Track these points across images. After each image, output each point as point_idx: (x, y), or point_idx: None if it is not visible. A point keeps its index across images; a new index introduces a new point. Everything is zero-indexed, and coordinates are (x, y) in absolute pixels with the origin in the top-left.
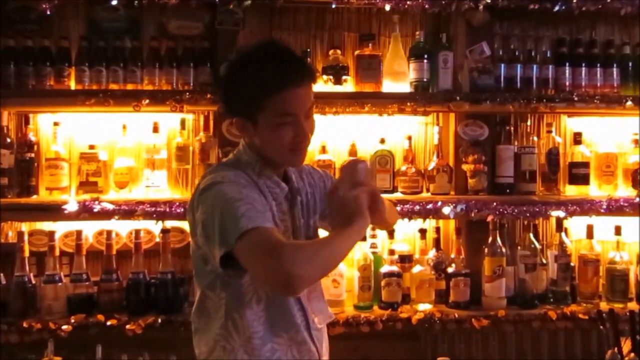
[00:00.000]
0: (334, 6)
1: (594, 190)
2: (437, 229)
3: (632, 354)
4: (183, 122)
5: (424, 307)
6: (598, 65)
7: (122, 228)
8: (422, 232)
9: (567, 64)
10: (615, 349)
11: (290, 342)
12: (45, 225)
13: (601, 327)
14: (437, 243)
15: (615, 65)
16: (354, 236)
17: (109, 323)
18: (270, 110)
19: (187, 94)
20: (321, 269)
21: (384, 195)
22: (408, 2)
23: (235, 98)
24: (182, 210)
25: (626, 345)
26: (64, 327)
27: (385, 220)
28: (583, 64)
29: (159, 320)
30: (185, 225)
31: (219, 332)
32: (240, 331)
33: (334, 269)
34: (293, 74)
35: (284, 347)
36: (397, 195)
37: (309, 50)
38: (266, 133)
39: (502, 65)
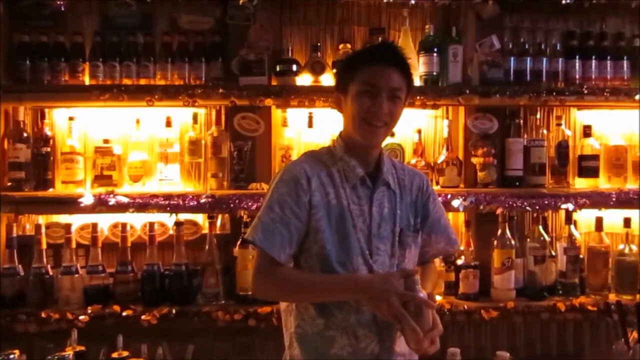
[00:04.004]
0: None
1: (604, 183)
2: None
3: (639, 345)
4: (195, 117)
5: None
6: (608, 58)
7: (136, 221)
8: None
9: (577, 57)
10: (622, 340)
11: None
12: (62, 218)
13: (609, 318)
14: None
15: (625, 58)
16: (335, 290)
17: (124, 313)
18: (359, 79)
19: (199, 88)
20: (281, 298)
21: None
22: None
23: (340, 72)
24: (195, 203)
25: (633, 336)
26: (81, 317)
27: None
28: (593, 57)
29: (174, 311)
30: (197, 217)
31: (294, 331)
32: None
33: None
34: (386, 54)
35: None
36: None
37: (319, 44)
38: (349, 102)
39: (512, 58)
